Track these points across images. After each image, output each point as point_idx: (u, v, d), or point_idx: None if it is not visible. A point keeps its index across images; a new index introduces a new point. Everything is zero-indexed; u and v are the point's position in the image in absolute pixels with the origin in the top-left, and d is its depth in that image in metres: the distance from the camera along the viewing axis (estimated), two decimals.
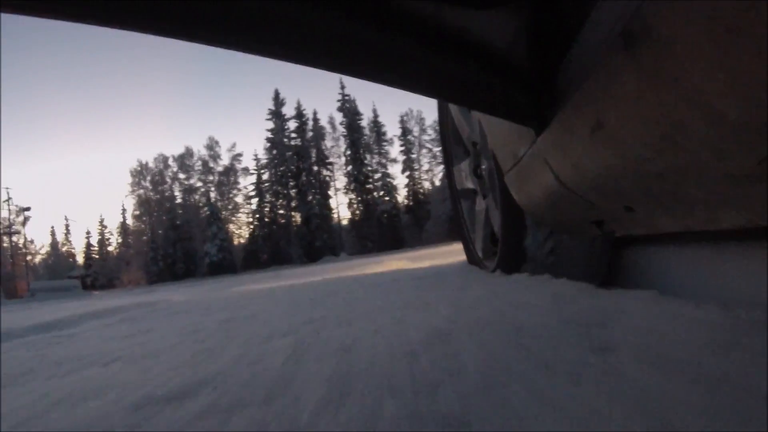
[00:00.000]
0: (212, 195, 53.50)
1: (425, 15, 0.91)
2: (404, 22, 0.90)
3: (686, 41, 0.54)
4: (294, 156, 51.17)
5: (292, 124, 52.10)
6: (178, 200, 53.91)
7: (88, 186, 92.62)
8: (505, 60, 0.99)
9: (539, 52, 0.98)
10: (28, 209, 52.36)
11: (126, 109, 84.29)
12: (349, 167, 51.92)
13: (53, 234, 65.62)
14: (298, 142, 51.77)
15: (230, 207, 53.93)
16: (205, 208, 51.99)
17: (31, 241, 63.94)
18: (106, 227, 60.28)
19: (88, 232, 62.00)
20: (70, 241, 65.61)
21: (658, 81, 0.62)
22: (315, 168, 51.71)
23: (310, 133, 52.24)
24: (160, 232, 52.58)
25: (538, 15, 0.94)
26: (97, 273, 56.80)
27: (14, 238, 52.12)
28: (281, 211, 51.61)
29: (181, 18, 0.76)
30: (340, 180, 55.64)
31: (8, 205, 50.27)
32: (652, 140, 0.70)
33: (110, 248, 59.35)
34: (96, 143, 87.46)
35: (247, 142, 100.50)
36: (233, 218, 54.07)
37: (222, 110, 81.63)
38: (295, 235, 49.92)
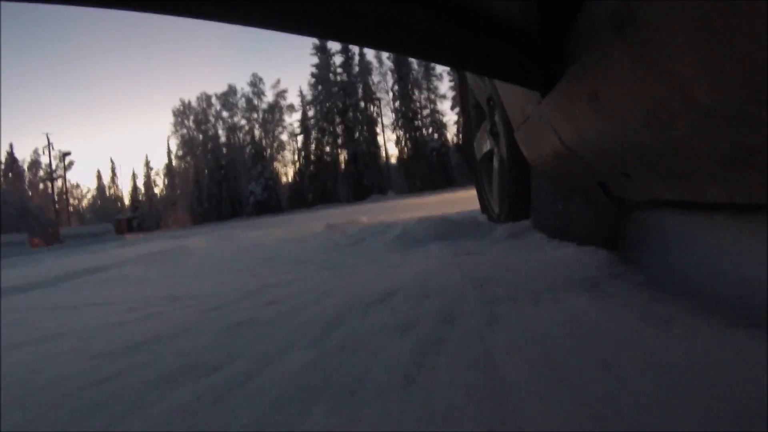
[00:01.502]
0: (257, 133, 50.76)
1: None
2: None
3: (666, 31, 0.56)
4: (340, 92, 47.68)
5: (337, 59, 48.38)
6: (222, 139, 51.39)
7: (134, 127, 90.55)
8: (515, 28, 1.01)
9: (548, 22, 0.99)
10: (68, 154, 50.69)
11: (167, 48, 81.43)
12: (397, 103, 48.22)
13: (99, 177, 64.50)
14: (344, 77, 48.11)
15: (275, 145, 51.10)
16: (250, 147, 49.25)
17: (76, 186, 62.60)
18: (152, 169, 58.55)
19: (134, 174, 60.41)
20: (116, 184, 64.46)
21: (643, 64, 0.64)
22: (362, 104, 48.22)
23: (356, 69, 48.43)
24: (205, 172, 50.16)
25: None
26: (144, 215, 55.43)
27: (57, 183, 50.71)
28: (327, 149, 48.53)
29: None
30: (387, 116, 51.59)
31: (49, 150, 48.28)
32: (640, 115, 0.73)
33: (156, 190, 57.69)
34: (138, 84, 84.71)
35: (292, 79, 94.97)
36: (279, 157, 51.33)
37: (265, 46, 77.87)
38: (341, 174, 46.98)
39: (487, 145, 3.09)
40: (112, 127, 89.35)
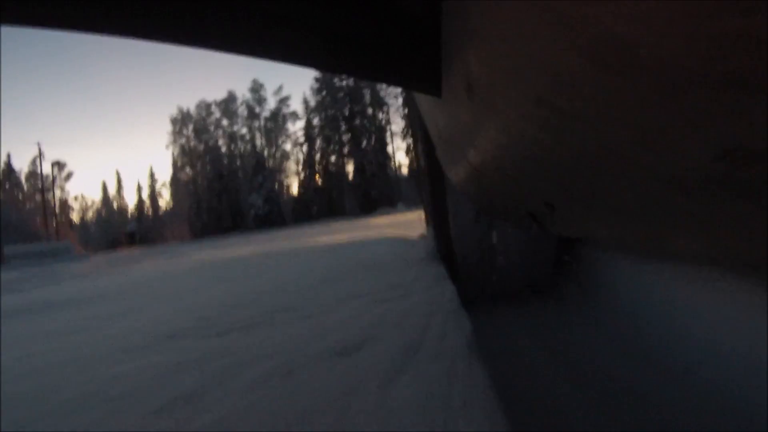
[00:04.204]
0: (258, 143, 45.20)
1: None
2: None
3: None
4: (346, 98, 41.95)
5: None
6: (223, 149, 45.78)
7: (138, 137, 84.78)
8: (398, 13, 0.73)
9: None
10: (58, 163, 46.29)
11: (165, 53, 76.03)
12: (406, 109, 42.22)
13: (105, 189, 59.65)
14: (350, 82, 42.31)
15: (278, 155, 45.40)
16: (251, 157, 43.73)
17: (77, 198, 57.89)
18: (156, 180, 53.38)
19: (139, 186, 55.24)
20: (122, 196, 59.48)
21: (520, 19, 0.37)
22: (369, 110, 42.38)
23: None
24: (204, 183, 44.88)
25: None
26: (147, 229, 50.52)
27: (50, 195, 45.84)
28: (333, 159, 42.73)
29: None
30: (396, 123, 45.55)
31: (40, 159, 43.26)
32: (529, 109, 0.45)
33: (161, 202, 52.67)
34: (138, 91, 78.62)
35: (295, 84, 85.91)
36: (283, 167, 45.58)
37: None
38: (348, 185, 41.19)
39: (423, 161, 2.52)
40: (115, 138, 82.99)
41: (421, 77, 0.82)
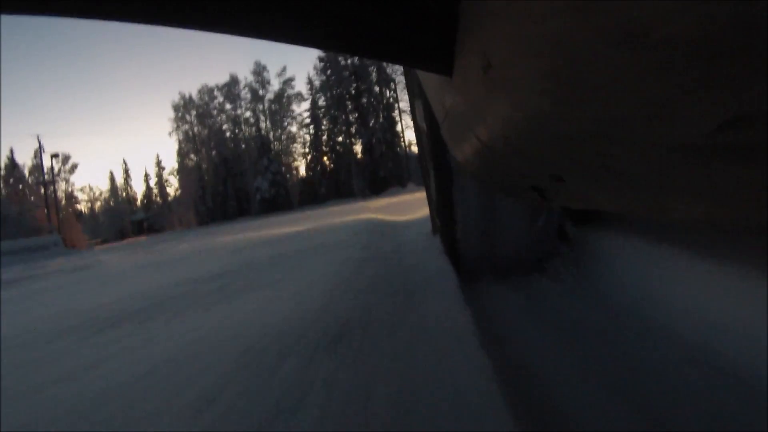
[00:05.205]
0: (263, 125, 43.67)
1: None
2: None
3: None
4: (351, 76, 40.16)
5: None
6: (227, 134, 44.33)
7: (144, 125, 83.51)
8: None
9: None
10: (57, 155, 44.91)
11: (162, 38, 74.37)
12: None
13: (112, 179, 58.50)
14: (354, 60, 40.43)
15: (284, 138, 43.80)
16: (256, 140, 42.35)
17: (82, 189, 56.96)
18: (163, 168, 52.17)
19: (146, 175, 54.03)
20: (130, 185, 58.39)
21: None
22: (376, 88, 40.57)
23: None
24: (208, 168, 43.46)
25: None
26: (155, 217, 49.46)
27: (60, 187, 44.78)
28: (340, 139, 41.07)
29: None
30: (404, 101, 43.61)
31: (40, 152, 42.00)
32: (539, 83, 0.45)
33: (170, 190, 51.53)
34: (141, 79, 77.44)
35: (299, 64, 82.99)
36: (289, 150, 44.07)
37: None
38: (356, 166, 39.55)
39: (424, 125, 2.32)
40: (121, 127, 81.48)
41: (432, 57, 0.76)
